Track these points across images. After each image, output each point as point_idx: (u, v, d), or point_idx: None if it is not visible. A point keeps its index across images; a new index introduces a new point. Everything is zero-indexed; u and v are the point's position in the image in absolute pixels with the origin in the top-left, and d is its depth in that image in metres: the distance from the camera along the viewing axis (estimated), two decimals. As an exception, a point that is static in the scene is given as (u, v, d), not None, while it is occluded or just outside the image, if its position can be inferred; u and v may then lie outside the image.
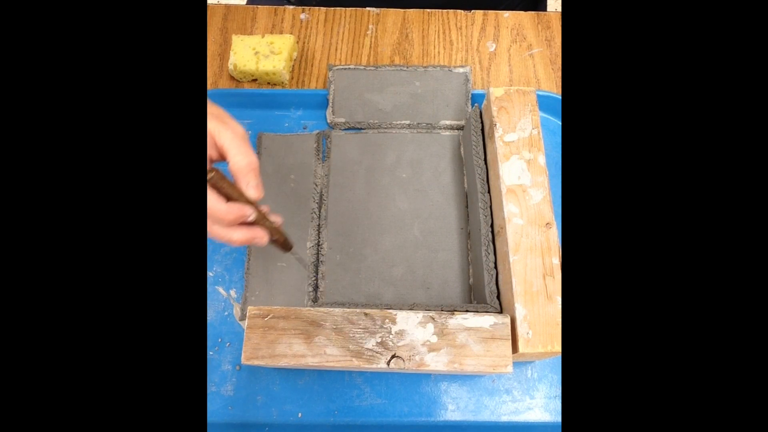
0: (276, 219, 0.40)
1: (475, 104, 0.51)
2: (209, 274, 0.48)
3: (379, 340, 0.37)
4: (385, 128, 0.53)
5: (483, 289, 0.42)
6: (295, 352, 0.37)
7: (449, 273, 0.48)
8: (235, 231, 0.37)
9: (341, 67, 0.55)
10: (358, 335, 0.38)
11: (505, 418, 0.44)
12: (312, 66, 0.58)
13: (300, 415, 0.43)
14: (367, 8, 0.61)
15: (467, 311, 0.39)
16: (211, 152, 0.37)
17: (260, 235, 0.38)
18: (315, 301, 0.46)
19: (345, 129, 0.54)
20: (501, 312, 0.41)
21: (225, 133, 0.36)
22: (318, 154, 0.52)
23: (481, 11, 0.61)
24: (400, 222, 0.50)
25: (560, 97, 0.54)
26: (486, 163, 0.47)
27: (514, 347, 0.38)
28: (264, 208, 0.39)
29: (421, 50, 0.59)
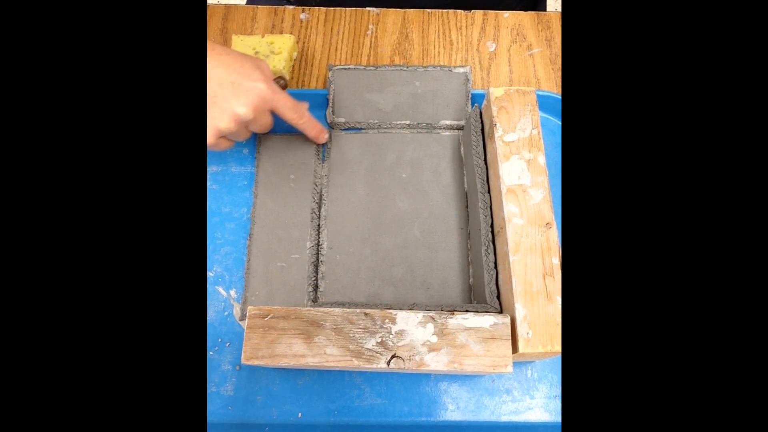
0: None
1: (475, 104, 0.51)
2: (209, 274, 0.48)
3: (379, 340, 0.37)
4: (385, 128, 0.53)
5: (483, 289, 0.42)
6: (295, 352, 0.37)
7: (449, 273, 0.48)
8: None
9: (341, 67, 0.55)
10: (358, 335, 0.38)
11: (505, 418, 0.44)
12: (312, 66, 0.58)
13: (300, 415, 0.43)
14: (367, 8, 0.61)
15: (467, 311, 0.39)
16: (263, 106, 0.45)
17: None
18: (315, 301, 0.46)
19: (345, 129, 0.54)
20: (501, 312, 0.41)
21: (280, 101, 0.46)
22: (318, 154, 0.52)
23: (481, 11, 0.61)
24: (400, 222, 0.50)
25: (560, 97, 0.54)
26: (486, 163, 0.47)
27: (514, 347, 0.38)
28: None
29: (421, 50, 0.59)
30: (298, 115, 0.47)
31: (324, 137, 0.51)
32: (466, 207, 0.50)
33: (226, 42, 0.59)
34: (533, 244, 0.40)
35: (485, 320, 0.38)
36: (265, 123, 0.47)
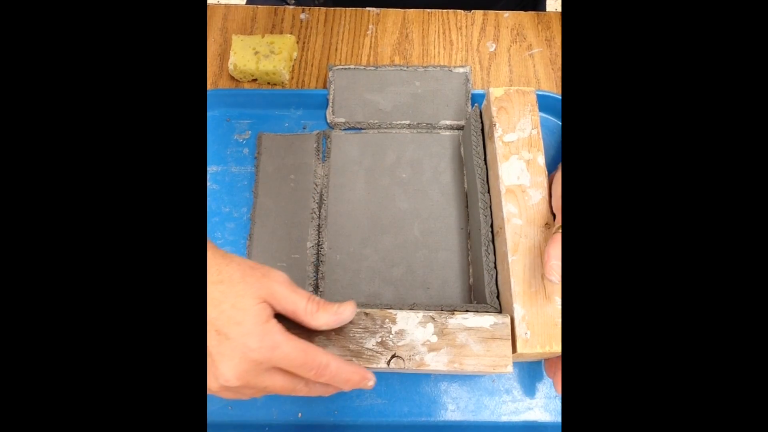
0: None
1: (475, 104, 0.51)
2: (209, 274, 0.48)
3: (379, 339, 0.38)
4: (385, 128, 0.53)
5: (483, 289, 0.42)
6: (295, 352, 0.37)
7: (449, 273, 0.48)
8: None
9: (341, 67, 0.55)
10: (358, 335, 0.38)
11: (505, 418, 0.44)
12: (312, 66, 0.58)
13: (300, 415, 0.43)
14: (367, 8, 0.61)
15: (467, 311, 0.39)
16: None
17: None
18: (315, 301, 0.46)
19: (345, 129, 0.54)
20: (501, 312, 0.41)
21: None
22: (318, 154, 0.52)
23: (481, 11, 0.61)
24: (400, 222, 0.50)
25: (560, 97, 0.54)
26: (486, 163, 0.47)
27: (513, 347, 0.38)
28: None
29: (421, 50, 0.59)
30: (315, 373, 0.32)
31: (370, 383, 0.35)
32: (466, 207, 0.50)
33: (225, 42, 0.59)
34: (532, 244, 0.40)
35: (485, 320, 0.38)
36: (272, 386, 0.32)
